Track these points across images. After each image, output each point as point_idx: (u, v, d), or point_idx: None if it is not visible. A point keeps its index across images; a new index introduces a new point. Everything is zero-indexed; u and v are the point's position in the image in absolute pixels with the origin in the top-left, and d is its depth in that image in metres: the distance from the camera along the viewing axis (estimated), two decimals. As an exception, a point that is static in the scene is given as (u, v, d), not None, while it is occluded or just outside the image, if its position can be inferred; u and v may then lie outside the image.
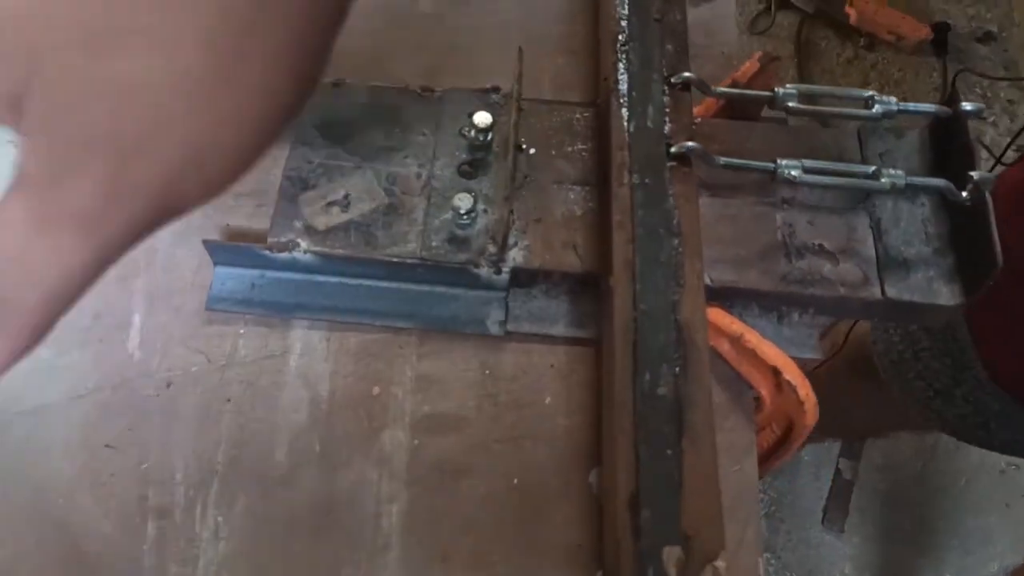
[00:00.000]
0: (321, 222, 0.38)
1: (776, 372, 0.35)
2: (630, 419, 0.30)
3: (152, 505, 0.34)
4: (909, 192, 0.39)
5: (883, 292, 0.37)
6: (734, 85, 0.42)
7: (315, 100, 0.40)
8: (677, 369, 0.31)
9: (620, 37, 0.39)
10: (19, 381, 0.36)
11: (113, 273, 0.38)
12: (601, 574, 0.32)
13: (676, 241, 0.34)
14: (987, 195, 0.36)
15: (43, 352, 0.36)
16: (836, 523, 1.04)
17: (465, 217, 0.37)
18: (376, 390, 0.37)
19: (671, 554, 0.28)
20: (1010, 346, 0.54)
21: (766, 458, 0.41)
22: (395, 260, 0.37)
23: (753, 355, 0.36)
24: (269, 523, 0.34)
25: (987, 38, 1.57)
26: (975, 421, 0.59)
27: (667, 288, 0.33)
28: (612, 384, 0.31)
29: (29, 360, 0.36)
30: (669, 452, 0.29)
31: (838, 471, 1.07)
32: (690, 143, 0.35)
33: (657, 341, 0.31)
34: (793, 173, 0.36)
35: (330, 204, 0.38)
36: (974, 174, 0.36)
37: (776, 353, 0.36)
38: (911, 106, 0.39)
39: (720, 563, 0.28)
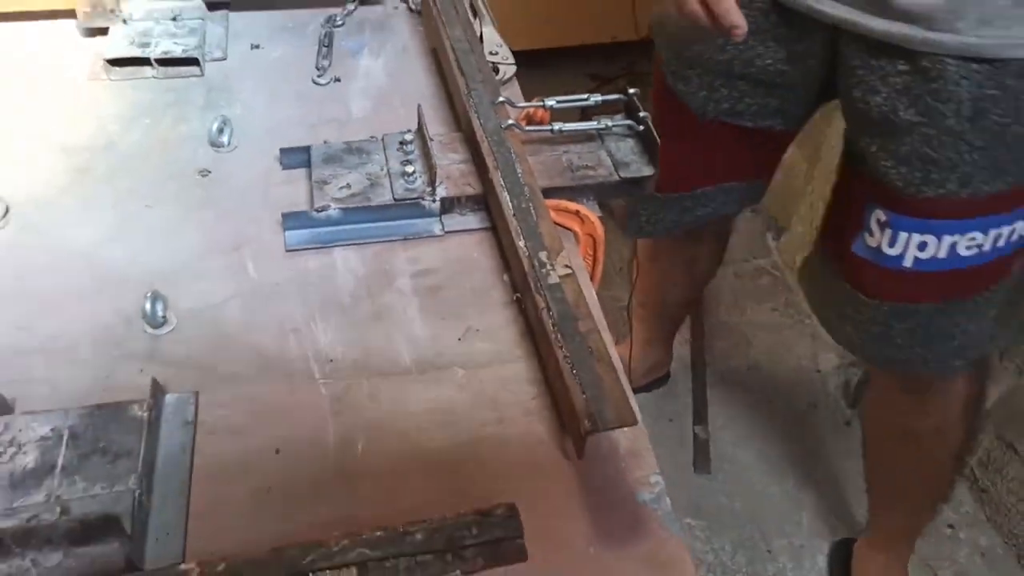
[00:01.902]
0: (339, 195, 0.73)
1: (577, 212, 0.73)
2: (513, 218, 0.66)
3: (289, 330, 0.65)
4: (621, 136, 0.80)
5: (620, 177, 0.77)
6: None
7: (318, 149, 0.77)
8: (527, 193, 0.68)
9: (464, 89, 0.79)
10: (197, 290, 0.67)
11: (228, 247, 0.71)
12: (518, 295, 0.66)
13: (515, 157, 0.72)
14: (650, 123, 0.77)
15: (202, 284, 0.68)
16: (704, 468, 1.38)
17: (411, 177, 0.73)
18: (387, 267, 0.70)
19: (544, 255, 0.63)
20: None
21: (593, 276, 0.77)
22: (380, 205, 0.72)
23: (565, 210, 0.74)
24: (355, 324, 0.65)
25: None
26: None
27: (515, 175, 0.70)
28: (501, 211, 0.68)
29: (190, 276, 0.67)
30: (532, 219, 0.66)
31: (695, 434, 1.42)
32: (510, 120, 0.75)
33: (516, 192, 0.68)
34: (558, 127, 0.76)
35: (341, 188, 0.73)
36: (641, 114, 0.78)
37: (574, 204, 0.73)
38: (610, 97, 0.81)
39: (562, 256, 0.63)
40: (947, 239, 0.82)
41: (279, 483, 0.55)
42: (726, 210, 1.08)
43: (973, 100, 0.75)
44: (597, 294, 0.71)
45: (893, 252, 0.85)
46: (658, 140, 0.76)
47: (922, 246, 0.84)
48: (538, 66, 1.19)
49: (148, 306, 0.63)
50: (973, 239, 0.82)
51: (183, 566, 0.44)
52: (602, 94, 0.80)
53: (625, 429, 0.58)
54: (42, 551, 0.47)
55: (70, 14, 0.92)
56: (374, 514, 0.51)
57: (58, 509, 0.48)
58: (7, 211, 0.72)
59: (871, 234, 0.87)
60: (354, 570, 0.44)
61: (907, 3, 0.75)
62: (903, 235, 0.84)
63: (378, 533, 0.46)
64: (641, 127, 0.78)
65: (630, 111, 0.80)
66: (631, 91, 0.80)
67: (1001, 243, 0.83)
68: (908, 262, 0.85)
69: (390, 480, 0.55)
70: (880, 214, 0.85)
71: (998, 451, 1.29)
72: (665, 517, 0.55)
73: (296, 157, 0.78)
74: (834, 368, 1.53)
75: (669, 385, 1.50)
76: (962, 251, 0.83)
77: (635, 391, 1.38)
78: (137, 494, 0.51)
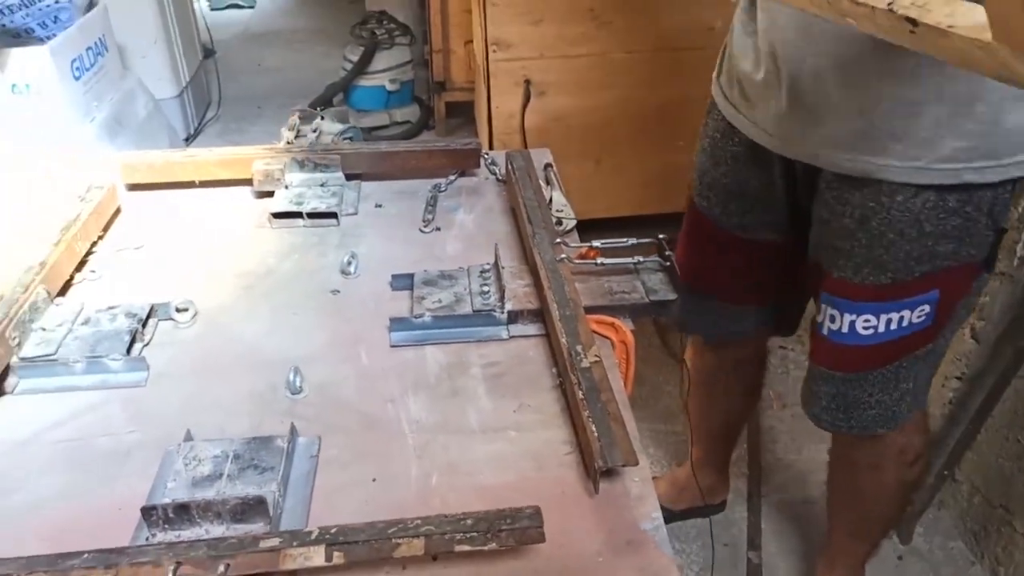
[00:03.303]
0: (432, 307, 0.97)
1: (612, 323, 0.94)
2: (559, 322, 0.88)
3: (388, 401, 0.86)
4: (653, 270, 1.02)
5: (649, 300, 0.98)
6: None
7: (419, 275, 1.02)
8: (571, 306, 0.90)
9: (530, 233, 1.04)
10: (324, 371, 0.90)
11: (348, 343, 0.96)
12: (560, 380, 0.86)
13: (564, 281, 0.94)
14: (674, 261, 0.99)
15: (328, 367, 0.92)
16: (757, 592, 1.45)
17: (487, 295, 0.97)
18: (464, 359, 0.92)
19: (579, 347, 0.84)
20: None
21: (626, 376, 0.96)
22: (462, 315, 0.95)
23: (604, 323, 0.94)
24: (437, 398, 0.87)
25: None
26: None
27: (564, 294, 0.93)
28: (552, 319, 0.89)
29: (320, 361, 0.91)
30: (573, 324, 0.87)
31: (748, 559, 1.50)
32: (563, 255, 0.98)
33: (563, 305, 0.90)
34: (600, 260, 0.99)
35: (434, 302, 0.98)
36: (667, 253, 1.00)
37: (610, 318, 0.94)
38: (644, 240, 1.03)
39: (594, 350, 0.84)
40: (847, 316, 1.05)
41: (373, 499, 0.75)
42: (752, 332, 1.33)
43: (861, 207, 1.00)
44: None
45: (819, 319, 1.11)
46: (679, 273, 0.98)
47: (832, 319, 1.06)
48: (607, 228, 1.47)
49: (291, 378, 0.87)
50: (868, 320, 1.03)
51: (308, 528, 0.64)
52: (637, 238, 1.04)
53: (635, 479, 0.76)
54: (212, 523, 0.68)
55: (247, 182, 1.25)
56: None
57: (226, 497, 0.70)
58: (196, 314, 0.99)
59: (815, 306, 1.13)
60: (423, 540, 0.63)
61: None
62: (823, 307, 1.08)
63: (442, 517, 0.65)
64: (667, 263, 1.00)
65: (660, 251, 1.03)
66: (661, 236, 1.03)
67: (893, 327, 1.03)
68: (824, 331, 1.09)
69: (454, 503, 0.74)
70: (819, 291, 1.10)
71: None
72: (660, 542, 0.71)
73: (403, 281, 1.04)
74: (888, 506, 1.59)
75: (726, 513, 1.60)
76: (860, 329, 1.04)
77: (690, 511, 1.53)
78: (276, 495, 0.72)
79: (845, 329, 1.07)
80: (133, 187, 1.26)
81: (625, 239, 1.04)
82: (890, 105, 0.95)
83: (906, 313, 1.03)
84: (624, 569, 0.68)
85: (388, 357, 0.93)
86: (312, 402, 0.87)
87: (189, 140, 3.11)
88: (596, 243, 1.03)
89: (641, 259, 1.01)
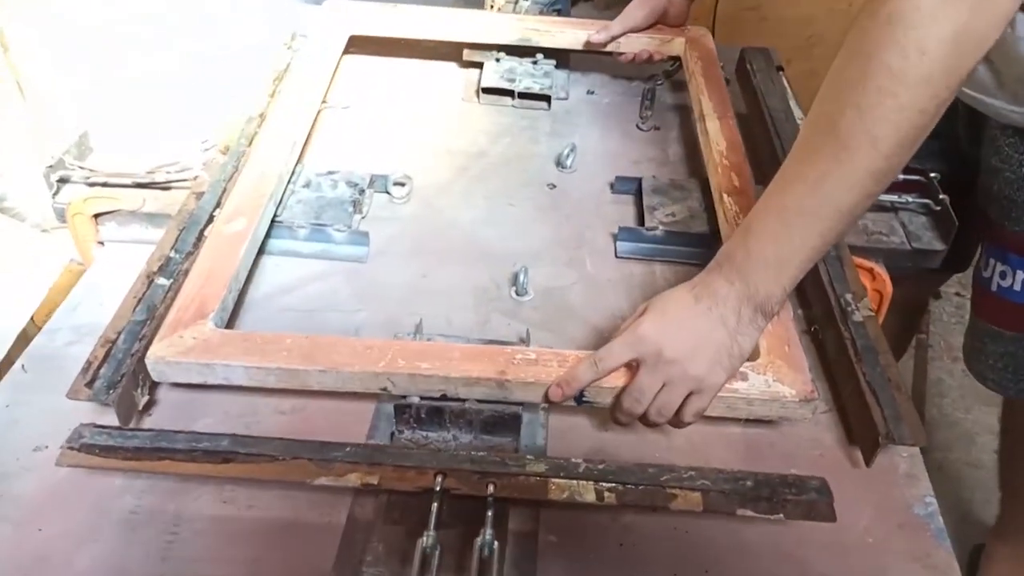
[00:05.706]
0: (665, 220, 0.88)
1: (871, 270, 0.84)
2: (823, 264, 0.78)
3: (618, 318, 0.80)
4: (915, 212, 0.90)
5: (911, 246, 0.87)
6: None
7: (648, 181, 0.93)
8: (834, 254, 0.80)
9: (780, 150, 0.92)
10: (548, 273, 0.84)
11: (571, 246, 0.88)
12: (815, 327, 0.77)
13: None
14: (948, 204, 0.87)
15: (552, 269, 0.85)
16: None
17: (730, 216, 0.87)
18: (698, 284, 0.85)
19: (850, 296, 0.75)
20: None
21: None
22: (698, 232, 0.87)
23: (860, 267, 0.84)
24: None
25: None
26: None
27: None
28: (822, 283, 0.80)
29: (543, 262, 0.85)
30: (839, 268, 0.77)
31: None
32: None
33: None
34: (865, 195, 0.87)
35: (667, 215, 0.89)
36: (940, 196, 0.87)
37: (868, 262, 0.84)
38: (910, 177, 0.91)
39: (865, 301, 0.74)
40: (1020, 274, 0.92)
41: (608, 423, 0.69)
42: None
43: None
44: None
45: (986, 275, 0.97)
46: (955, 221, 0.86)
47: (1003, 275, 0.94)
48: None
49: (521, 278, 0.81)
50: None
51: (559, 459, 0.60)
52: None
53: (904, 455, 0.68)
54: (461, 430, 0.65)
55: (453, 46, 1.16)
56: (685, 464, 0.64)
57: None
58: (411, 192, 0.94)
59: (980, 260, 1.00)
60: (700, 495, 0.58)
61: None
62: (992, 261, 0.96)
63: (717, 472, 0.59)
64: (938, 207, 0.88)
65: (928, 192, 0.90)
66: (932, 175, 0.90)
67: None
68: (994, 286, 0.97)
69: (699, 444, 0.68)
70: (986, 243, 0.98)
71: None
72: (936, 531, 0.64)
73: (627, 185, 0.95)
74: (1063, 486, 1.48)
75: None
76: None
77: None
78: (520, 411, 0.67)
79: (1018, 287, 0.95)
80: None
81: (887, 172, 0.91)
82: None
83: None
84: (897, 556, 0.62)
85: (614, 268, 0.86)
86: (538, 305, 0.81)
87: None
88: (853, 172, 0.91)
89: (906, 198, 0.89)
